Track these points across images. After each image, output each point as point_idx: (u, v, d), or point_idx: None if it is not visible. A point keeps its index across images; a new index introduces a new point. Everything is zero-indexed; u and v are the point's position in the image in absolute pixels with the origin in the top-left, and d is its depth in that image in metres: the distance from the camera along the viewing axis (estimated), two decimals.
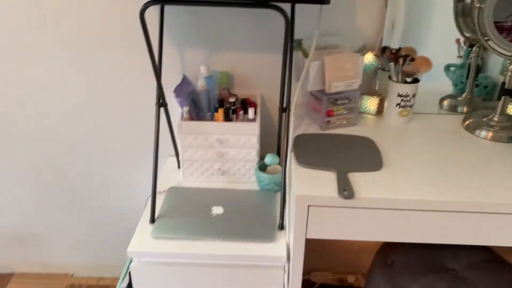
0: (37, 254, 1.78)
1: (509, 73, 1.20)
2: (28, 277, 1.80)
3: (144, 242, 1.14)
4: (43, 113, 1.46)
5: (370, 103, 1.35)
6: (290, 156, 1.16)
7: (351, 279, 1.73)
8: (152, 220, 1.21)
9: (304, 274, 1.75)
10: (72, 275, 1.81)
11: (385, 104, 1.34)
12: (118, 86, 1.42)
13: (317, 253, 1.71)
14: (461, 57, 1.38)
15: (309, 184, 1.01)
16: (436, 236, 1.02)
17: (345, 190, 0.98)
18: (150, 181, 1.58)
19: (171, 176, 1.43)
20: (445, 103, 1.42)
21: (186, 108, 1.29)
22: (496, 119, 1.26)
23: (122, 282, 1.58)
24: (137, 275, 1.16)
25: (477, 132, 1.26)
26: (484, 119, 1.28)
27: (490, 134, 1.24)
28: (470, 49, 1.36)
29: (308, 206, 0.99)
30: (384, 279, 1.19)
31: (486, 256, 1.23)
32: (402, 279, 1.16)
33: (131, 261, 1.66)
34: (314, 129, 1.28)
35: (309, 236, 1.03)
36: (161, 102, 1.22)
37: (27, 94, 1.43)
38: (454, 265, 1.20)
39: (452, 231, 1.01)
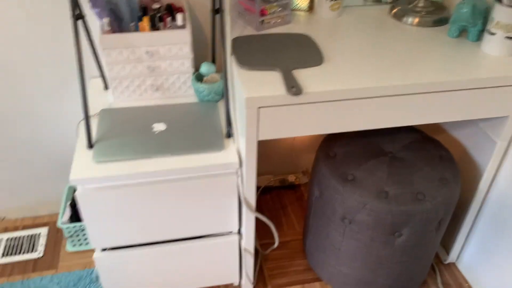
0: None
1: None
2: None
3: (86, 168, 1.07)
4: None
5: (301, 0, 1.31)
6: (230, 61, 1.11)
7: (291, 178, 1.81)
8: (90, 145, 1.12)
9: None
10: (3, 219, 1.68)
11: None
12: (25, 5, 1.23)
13: (258, 159, 1.74)
14: None
15: (256, 86, 0.99)
16: (379, 122, 1.07)
17: (293, 87, 0.97)
18: (75, 108, 1.46)
19: (99, 99, 1.32)
20: None
21: (106, 20, 1.16)
22: (421, 4, 1.29)
23: (63, 215, 1.51)
24: (84, 203, 1.10)
25: (404, 19, 1.29)
26: (410, 6, 1.31)
27: (416, 20, 1.27)
28: None
29: (258, 108, 0.98)
30: (329, 170, 1.25)
31: (417, 137, 1.33)
32: (346, 168, 1.23)
33: (69, 192, 1.58)
34: (249, 31, 1.22)
35: (261, 138, 1.03)
36: (77, 14, 1.08)
37: None
38: (391, 148, 1.29)
39: (393, 114, 1.07)
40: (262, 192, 1.81)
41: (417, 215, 1.15)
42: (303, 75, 1.02)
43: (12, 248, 1.57)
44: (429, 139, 1.33)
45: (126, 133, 1.16)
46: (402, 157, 1.25)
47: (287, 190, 1.83)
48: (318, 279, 1.47)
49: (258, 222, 1.64)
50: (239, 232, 1.29)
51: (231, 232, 1.28)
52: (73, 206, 1.50)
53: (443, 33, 1.23)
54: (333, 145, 1.32)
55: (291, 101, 0.98)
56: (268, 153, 1.73)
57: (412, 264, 1.28)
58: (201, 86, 1.25)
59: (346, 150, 1.29)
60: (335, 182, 1.21)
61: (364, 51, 1.13)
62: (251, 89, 0.97)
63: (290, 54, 1.09)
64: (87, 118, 1.11)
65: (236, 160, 1.11)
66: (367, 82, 1.00)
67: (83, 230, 1.50)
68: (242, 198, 1.15)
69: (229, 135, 1.18)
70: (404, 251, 1.23)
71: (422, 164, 1.23)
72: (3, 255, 1.54)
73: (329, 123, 1.04)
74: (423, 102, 1.06)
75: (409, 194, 1.16)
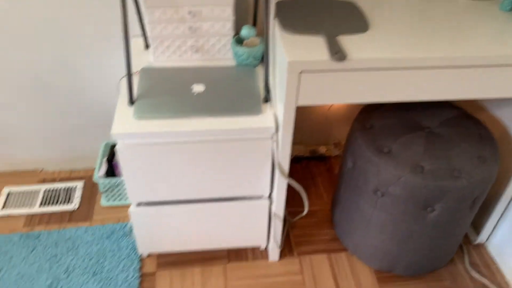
0: (1, 152, 1.69)
1: None
2: None
3: (127, 124, 1.10)
4: None
5: None
6: (273, 24, 1.10)
7: (322, 149, 1.81)
8: (131, 101, 1.15)
9: None
10: (41, 170, 1.75)
11: None
12: None
13: None
14: None
15: (299, 50, 0.98)
16: (423, 94, 1.05)
17: (337, 52, 0.96)
18: (116, 65, 1.48)
19: (140, 58, 1.34)
20: None
21: None
22: None
23: (99, 170, 1.55)
24: (123, 157, 1.13)
25: None
26: None
27: None
28: None
29: (300, 72, 0.97)
30: (365, 142, 1.24)
31: (456, 114, 1.30)
32: (383, 141, 1.22)
33: (105, 148, 1.62)
34: None
35: (300, 104, 1.03)
36: None
37: None
38: (429, 124, 1.27)
39: (437, 87, 1.04)
40: (292, 162, 1.82)
41: (452, 191, 1.14)
42: (347, 41, 1.01)
43: (50, 198, 1.64)
44: (468, 117, 1.30)
45: (165, 92, 1.18)
46: (440, 133, 1.23)
47: (317, 161, 1.83)
48: (344, 249, 1.49)
49: (287, 190, 1.66)
50: (269, 197, 1.31)
51: (262, 196, 1.30)
52: (109, 162, 1.55)
53: (495, 7, 1.18)
54: (370, 116, 1.31)
55: (334, 67, 0.96)
56: (301, 123, 1.73)
57: (441, 241, 1.28)
58: (241, 50, 1.25)
59: (383, 122, 1.28)
60: (371, 154, 1.21)
61: (411, 20, 1.10)
62: (294, 53, 0.97)
63: (334, 20, 1.08)
64: (129, 74, 1.13)
65: (273, 124, 1.11)
66: (414, 52, 0.98)
67: (117, 185, 1.55)
68: (276, 163, 1.16)
69: (266, 99, 1.18)
70: (435, 227, 1.22)
71: (460, 141, 1.21)
72: (41, 204, 1.61)
73: (371, 92, 1.03)
74: (470, 76, 1.03)
75: (445, 170, 1.14)
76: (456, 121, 1.28)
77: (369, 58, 0.96)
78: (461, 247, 1.51)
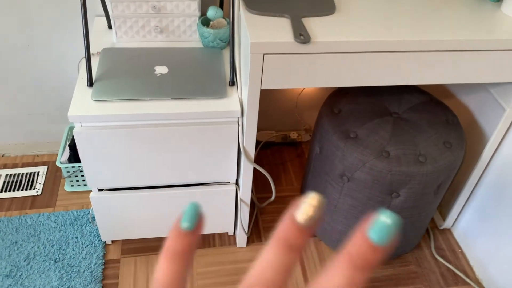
0: None
1: None
2: None
3: (85, 106, 1.05)
4: None
5: None
6: (238, 5, 1.07)
7: (293, 135, 1.79)
8: (90, 83, 1.10)
9: None
10: (3, 155, 1.68)
11: None
12: None
13: (261, 113, 1.71)
14: None
15: (263, 31, 0.95)
16: (389, 79, 1.04)
17: (301, 34, 0.93)
18: (79, 46, 1.42)
19: (102, 38, 1.29)
20: None
21: None
22: None
23: (62, 155, 1.50)
24: (81, 141, 1.09)
25: None
26: None
27: None
28: None
29: (264, 54, 0.94)
30: (332, 126, 1.22)
31: (424, 99, 1.30)
32: (349, 126, 1.21)
33: (69, 132, 1.57)
34: None
35: (264, 87, 1.00)
36: None
37: None
38: (397, 109, 1.26)
39: (403, 71, 1.03)
40: (263, 147, 1.80)
41: (416, 177, 1.13)
42: (312, 24, 0.98)
43: (11, 184, 1.58)
44: (437, 102, 1.30)
45: (127, 74, 1.14)
46: (407, 118, 1.23)
47: (288, 147, 1.81)
48: (312, 235, 1.48)
49: (257, 176, 1.64)
50: (236, 182, 1.29)
51: (228, 182, 1.28)
52: (72, 146, 1.50)
53: None
54: (338, 101, 1.29)
55: (298, 49, 0.94)
56: (271, 108, 1.70)
57: (407, 226, 1.28)
58: (207, 31, 1.21)
59: (351, 107, 1.26)
60: (337, 139, 1.19)
61: (378, 3, 1.08)
62: (258, 34, 0.94)
63: (300, 2, 1.05)
64: (88, 55, 1.08)
65: (238, 108, 1.09)
66: (379, 35, 0.96)
67: (81, 171, 1.50)
68: (241, 148, 1.13)
69: (232, 82, 1.15)
70: (400, 212, 1.23)
71: (427, 126, 1.20)
72: (2, 190, 1.56)
73: (336, 76, 1.01)
74: (438, 61, 1.02)
75: (410, 156, 1.14)
76: (424, 106, 1.28)
77: (334, 41, 0.94)
78: (427, 232, 1.52)
